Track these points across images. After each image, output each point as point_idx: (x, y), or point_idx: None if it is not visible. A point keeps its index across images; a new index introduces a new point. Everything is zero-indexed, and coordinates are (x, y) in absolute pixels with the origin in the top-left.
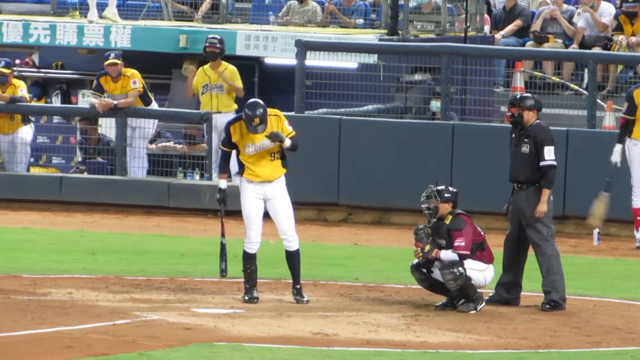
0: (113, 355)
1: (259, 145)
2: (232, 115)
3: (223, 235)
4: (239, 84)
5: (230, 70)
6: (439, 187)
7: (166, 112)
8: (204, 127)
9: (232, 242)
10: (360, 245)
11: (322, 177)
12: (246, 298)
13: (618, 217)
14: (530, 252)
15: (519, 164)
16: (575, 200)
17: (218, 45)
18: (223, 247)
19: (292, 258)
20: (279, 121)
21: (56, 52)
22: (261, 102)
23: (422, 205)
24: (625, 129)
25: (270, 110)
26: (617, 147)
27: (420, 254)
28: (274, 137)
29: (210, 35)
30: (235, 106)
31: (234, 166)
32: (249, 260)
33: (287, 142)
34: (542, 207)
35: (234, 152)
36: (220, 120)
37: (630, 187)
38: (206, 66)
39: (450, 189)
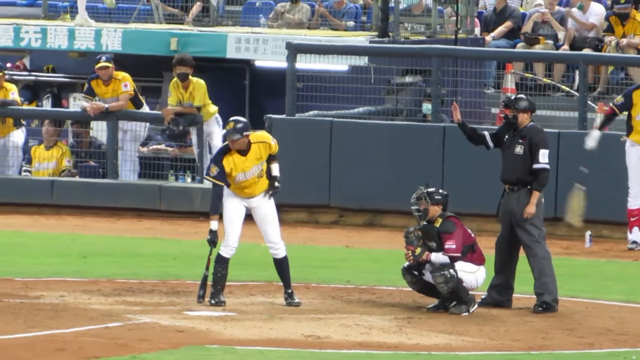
0: (105, 358)
1: (249, 173)
2: (215, 121)
3: (207, 268)
4: (203, 101)
5: (197, 88)
6: (429, 189)
7: (157, 115)
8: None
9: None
10: (351, 248)
11: (313, 180)
12: (212, 302)
13: (610, 219)
14: (522, 254)
15: (512, 165)
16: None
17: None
18: (205, 277)
19: (281, 265)
20: (267, 148)
21: (47, 55)
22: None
23: (412, 207)
24: (609, 119)
25: (257, 136)
26: (595, 133)
27: (411, 257)
28: (274, 191)
29: (177, 56)
30: (215, 109)
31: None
32: (221, 264)
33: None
34: (531, 209)
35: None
36: (207, 131)
37: (625, 189)
38: (178, 82)
39: (441, 191)
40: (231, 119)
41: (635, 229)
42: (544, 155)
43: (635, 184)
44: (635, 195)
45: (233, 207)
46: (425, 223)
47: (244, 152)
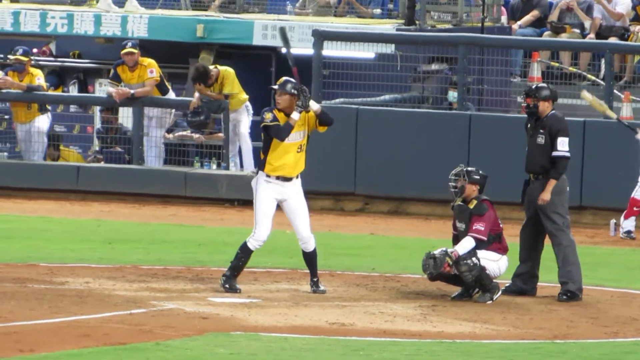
0: (130, 344)
1: (293, 136)
2: (245, 109)
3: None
4: (232, 89)
5: (226, 76)
6: (469, 168)
7: (183, 101)
8: (221, 116)
9: (249, 233)
10: (376, 235)
11: (339, 167)
12: (226, 286)
13: None
14: (547, 243)
15: (535, 155)
16: (592, 191)
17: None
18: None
19: (310, 257)
20: (312, 118)
21: (73, 41)
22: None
23: (450, 183)
24: None
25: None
26: None
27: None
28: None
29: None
30: (245, 97)
31: (250, 164)
32: (246, 254)
33: (315, 107)
34: (546, 196)
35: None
36: (236, 119)
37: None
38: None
39: (480, 172)
40: (284, 78)
41: (633, 218)
42: (562, 143)
43: None
44: None
45: (267, 200)
46: (460, 203)
47: (289, 114)
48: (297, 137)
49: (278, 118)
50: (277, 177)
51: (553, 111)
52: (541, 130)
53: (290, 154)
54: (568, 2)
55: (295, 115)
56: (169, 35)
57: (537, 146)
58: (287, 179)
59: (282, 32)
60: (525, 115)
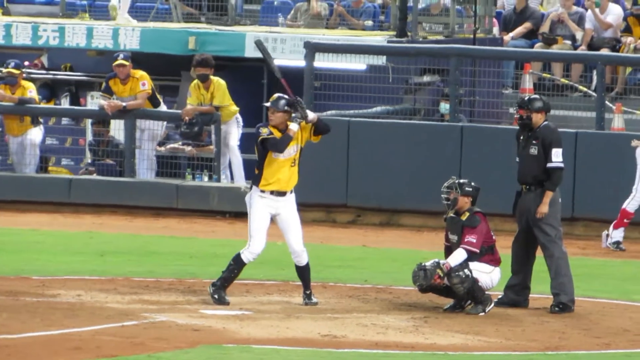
0: (122, 356)
1: (287, 151)
2: (235, 121)
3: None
4: (223, 101)
5: (218, 87)
6: (462, 180)
7: (175, 113)
8: (212, 128)
9: (241, 245)
10: (368, 247)
11: (331, 179)
12: (215, 297)
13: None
14: (539, 254)
15: (528, 166)
16: (584, 202)
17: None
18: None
19: (302, 271)
20: (306, 130)
21: (65, 53)
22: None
23: (442, 195)
24: None
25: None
26: None
27: (423, 286)
28: (295, 107)
29: (197, 57)
30: (236, 109)
31: (240, 176)
32: (238, 266)
33: (312, 115)
34: (544, 208)
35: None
36: (226, 131)
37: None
38: (199, 83)
39: (473, 184)
40: (276, 94)
41: (622, 229)
42: (557, 154)
43: None
44: (638, 200)
45: (261, 214)
46: (452, 215)
47: (282, 131)
48: (291, 152)
49: (273, 133)
50: (272, 192)
51: (546, 122)
52: (534, 141)
53: (284, 168)
54: (559, 13)
55: (294, 127)
56: (161, 47)
57: (530, 157)
58: (281, 194)
59: (260, 44)
60: (517, 127)
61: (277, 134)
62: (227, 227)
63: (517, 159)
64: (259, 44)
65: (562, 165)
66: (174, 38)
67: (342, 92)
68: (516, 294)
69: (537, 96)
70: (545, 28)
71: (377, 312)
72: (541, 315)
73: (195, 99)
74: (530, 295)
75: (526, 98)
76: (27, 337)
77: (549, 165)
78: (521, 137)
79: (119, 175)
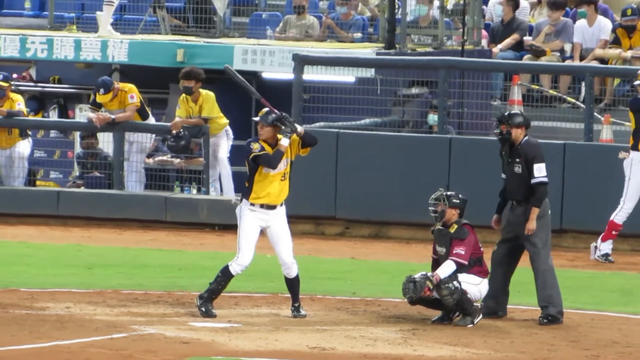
0: None
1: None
2: (225, 133)
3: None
4: (211, 113)
5: (206, 100)
6: (449, 192)
7: (163, 126)
8: (201, 141)
9: (230, 257)
10: (357, 259)
11: (320, 191)
12: (202, 309)
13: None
14: (527, 267)
15: (515, 184)
16: (572, 214)
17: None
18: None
19: (292, 284)
20: (295, 143)
21: (53, 66)
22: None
23: (430, 208)
24: None
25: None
26: None
27: (413, 298)
28: (284, 123)
29: (183, 70)
30: (225, 121)
31: (230, 188)
32: (226, 278)
33: (300, 128)
34: (531, 225)
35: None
36: (215, 143)
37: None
38: (186, 96)
39: (460, 196)
40: (265, 109)
41: (610, 241)
42: (539, 170)
43: (632, 201)
44: (626, 211)
45: (250, 227)
46: (440, 227)
47: (272, 145)
48: (281, 166)
49: (264, 148)
50: (262, 206)
51: (526, 137)
52: (517, 160)
53: (275, 182)
54: (547, 27)
55: (284, 142)
56: (149, 60)
57: (515, 175)
58: (272, 207)
59: (229, 70)
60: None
61: (267, 149)
62: (216, 239)
63: (503, 176)
64: (228, 70)
65: (545, 180)
66: (162, 50)
67: (330, 105)
68: (496, 303)
69: (517, 112)
70: (539, 40)
71: (365, 324)
72: (530, 327)
73: (184, 111)
74: (519, 307)
75: (506, 113)
76: (16, 349)
77: (533, 181)
78: (503, 153)
79: (107, 188)
